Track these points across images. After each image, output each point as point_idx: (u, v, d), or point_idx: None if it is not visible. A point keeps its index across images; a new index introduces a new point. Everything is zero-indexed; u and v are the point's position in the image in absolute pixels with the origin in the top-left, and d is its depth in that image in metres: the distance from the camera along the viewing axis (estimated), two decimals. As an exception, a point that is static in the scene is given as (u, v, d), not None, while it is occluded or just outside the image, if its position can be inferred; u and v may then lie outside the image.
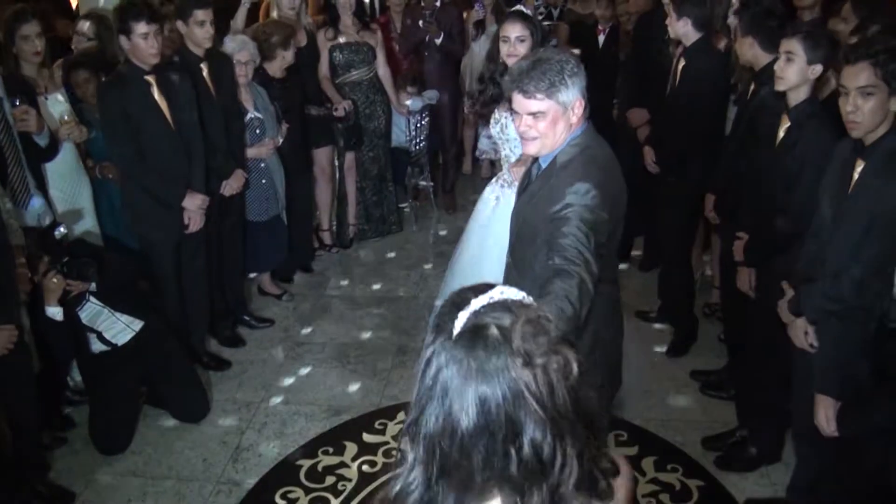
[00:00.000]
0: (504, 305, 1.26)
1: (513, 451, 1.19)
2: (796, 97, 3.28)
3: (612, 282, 2.86)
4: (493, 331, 1.22)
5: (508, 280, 2.79)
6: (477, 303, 1.26)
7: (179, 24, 4.42)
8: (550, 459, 1.21)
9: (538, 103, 2.55)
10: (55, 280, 3.75)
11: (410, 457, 1.26)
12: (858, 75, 2.72)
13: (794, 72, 3.23)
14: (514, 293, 1.29)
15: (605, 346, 2.80)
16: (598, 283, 2.50)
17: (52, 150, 4.25)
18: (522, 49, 3.79)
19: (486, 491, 1.23)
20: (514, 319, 1.23)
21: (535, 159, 2.77)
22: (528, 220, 2.74)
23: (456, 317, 1.25)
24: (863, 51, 2.74)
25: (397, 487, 1.27)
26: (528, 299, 1.30)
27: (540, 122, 2.57)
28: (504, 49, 3.87)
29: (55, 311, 3.78)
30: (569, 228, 2.46)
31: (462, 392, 1.21)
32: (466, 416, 1.20)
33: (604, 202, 2.51)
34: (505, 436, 1.19)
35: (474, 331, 1.23)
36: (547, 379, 1.21)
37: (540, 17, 7.01)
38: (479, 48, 6.75)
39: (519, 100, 2.58)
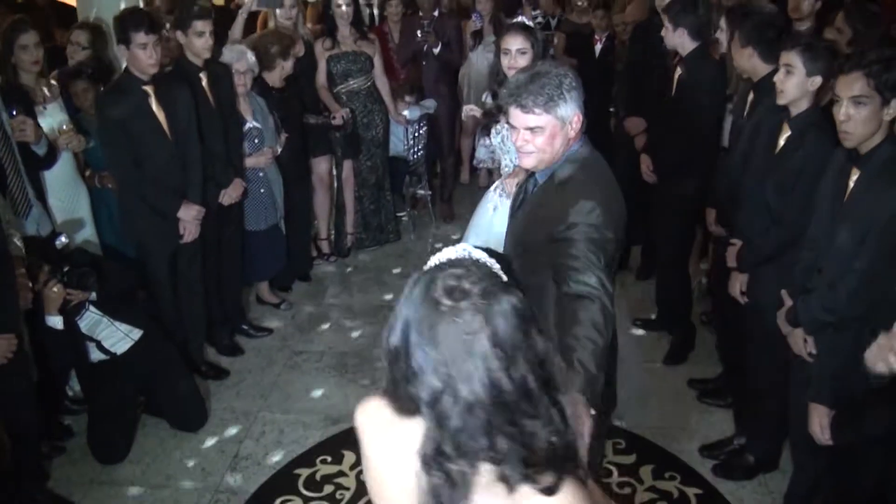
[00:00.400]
0: (459, 263, 1.47)
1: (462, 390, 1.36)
2: (797, 108, 3.30)
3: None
4: (445, 283, 1.40)
5: None
6: (434, 260, 1.51)
7: (179, 34, 4.45)
8: (497, 392, 1.35)
9: (536, 118, 2.49)
10: (55, 289, 3.76)
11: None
12: (851, 85, 2.74)
13: (794, 84, 3.25)
14: (472, 252, 1.50)
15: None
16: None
17: (50, 159, 4.27)
18: (523, 61, 3.78)
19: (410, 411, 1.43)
20: (463, 273, 1.41)
21: (531, 174, 2.71)
22: (527, 242, 2.65)
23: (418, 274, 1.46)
24: (856, 61, 2.77)
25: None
26: (482, 256, 1.52)
27: (538, 138, 2.51)
28: (505, 61, 3.86)
29: (56, 320, 3.79)
30: (577, 251, 2.40)
31: (412, 331, 1.40)
32: (424, 354, 1.38)
33: (608, 221, 2.46)
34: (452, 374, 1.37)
35: (428, 284, 1.41)
36: (493, 324, 1.35)
37: (538, 27, 7.08)
38: (476, 58, 6.80)
39: (516, 114, 2.52)
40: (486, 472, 1.38)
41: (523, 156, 2.58)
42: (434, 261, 1.53)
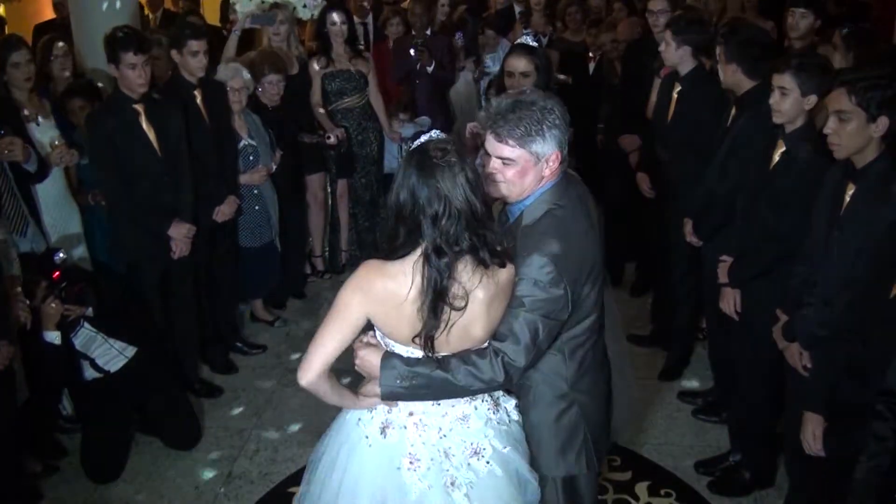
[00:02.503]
0: (436, 139, 2.29)
1: (448, 211, 2.20)
2: (793, 125, 3.33)
3: (598, 331, 2.64)
4: (435, 149, 2.24)
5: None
6: (416, 143, 2.31)
7: (174, 53, 4.47)
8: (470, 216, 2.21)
9: (510, 150, 2.38)
10: (53, 305, 3.75)
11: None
12: (836, 99, 2.80)
13: (790, 105, 3.27)
14: (440, 133, 2.34)
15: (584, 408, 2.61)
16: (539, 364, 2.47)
17: (41, 174, 4.27)
18: (527, 83, 3.73)
19: (415, 244, 2.24)
20: (442, 142, 2.27)
21: (505, 204, 2.59)
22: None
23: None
24: (841, 77, 2.80)
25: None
26: (443, 136, 2.32)
27: (508, 169, 2.41)
28: (508, 83, 3.81)
29: (53, 336, 3.78)
30: (516, 320, 2.33)
31: (417, 184, 2.22)
32: (424, 198, 2.21)
33: (561, 275, 2.33)
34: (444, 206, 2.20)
35: (422, 152, 2.25)
36: (465, 166, 2.24)
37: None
38: (461, 77, 6.88)
39: (491, 141, 2.42)
40: (468, 262, 2.25)
41: (491, 183, 2.45)
42: (418, 143, 2.30)
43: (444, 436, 2.41)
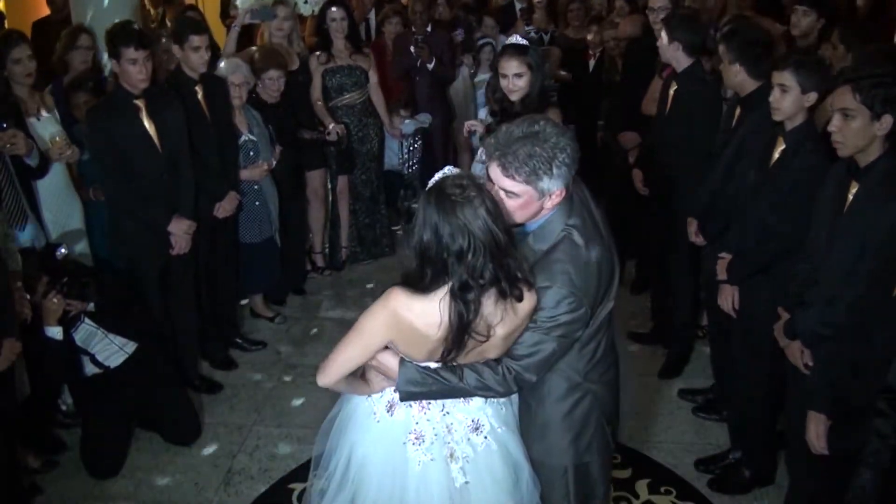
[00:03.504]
0: (451, 175, 2.32)
1: (473, 246, 2.22)
2: (793, 122, 3.33)
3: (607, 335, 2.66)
4: (453, 186, 2.26)
5: None
6: (434, 180, 2.32)
7: (175, 48, 4.46)
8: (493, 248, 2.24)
9: (513, 184, 2.34)
10: (55, 300, 3.75)
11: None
12: (841, 97, 2.79)
13: (790, 102, 3.28)
14: (454, 169, 2.38)
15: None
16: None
17: (42, 169, 4.27)
18: (522, 83, 3.77)
19: (441, 282, 2.28)
20: (459, 178, 2.29)
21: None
22: None
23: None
24: (846, 75, 2.80)
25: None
26: (459, 170, 2.38)
27: (511, 201, 2.38)
28: (503, 84, 3.82)
29: (55, 331, 3.77)
30: (533, 342, 2.39)
31: (440, 222, 2.23)
32: (448, 235, 2.23)
33: (581, 302, 2.36)
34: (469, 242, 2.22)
35: (439, 191, 2.26)
36: (485, 199, 2.25)
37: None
38: (460, 73, 6.88)
39: (495, 170, 2.36)
40: (491, 295, 2.27)
41: None
42: (434, 180, 2.31)
43: (448, 413, 2.55)
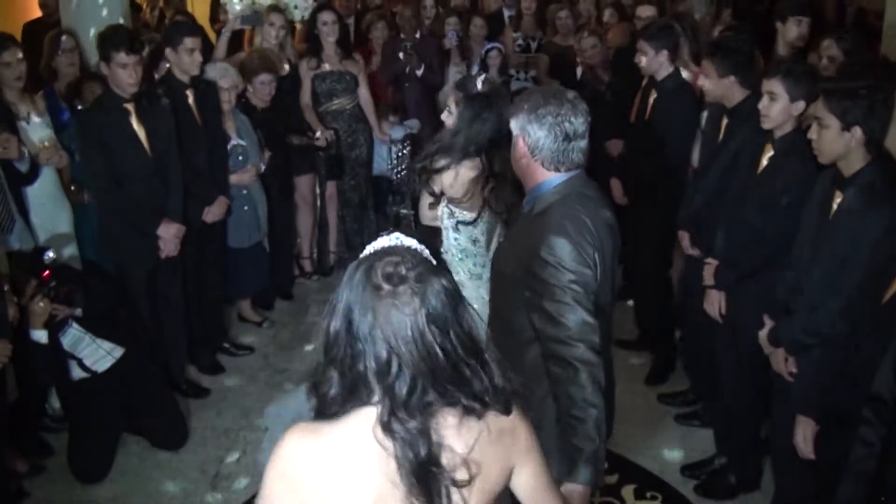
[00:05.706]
0: (394, 250, 1.58)
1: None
2: (781, 130, 3.37)
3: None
4: (384, 270, 1.53)
5: (492, 326, 2.68)
6: (370, 248, 1.61)
7: (168, 51, 4.46)
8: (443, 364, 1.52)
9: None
10: (42, 304, 3.74)
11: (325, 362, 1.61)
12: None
13: (778, 111, 3.32)
14: (404, 240, 1.61)
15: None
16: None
17: (32, 175, 4.27)
18: (450, 122, 3.50)
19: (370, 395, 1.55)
20: (399, 260, 1.54)
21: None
22: (502, 269, 2.63)
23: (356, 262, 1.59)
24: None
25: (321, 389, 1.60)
26: (413, 243, 1.61)
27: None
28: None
29: (41, 335, 3.76)
30: (553, 304, 2.35)
31: (357, 311, 1.54)
32: (365, 335, 1.53)
33: (583, 257, 2.38)
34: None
35: (367, 271, 1.54)
36: (428, 303, 1.51)
37: (518, 50, 7.15)
38: (450, 77, 6.87)
39: None
40: (452, 414, 1.56)
41: None
42: (370, 249, 1.62)
43: None
